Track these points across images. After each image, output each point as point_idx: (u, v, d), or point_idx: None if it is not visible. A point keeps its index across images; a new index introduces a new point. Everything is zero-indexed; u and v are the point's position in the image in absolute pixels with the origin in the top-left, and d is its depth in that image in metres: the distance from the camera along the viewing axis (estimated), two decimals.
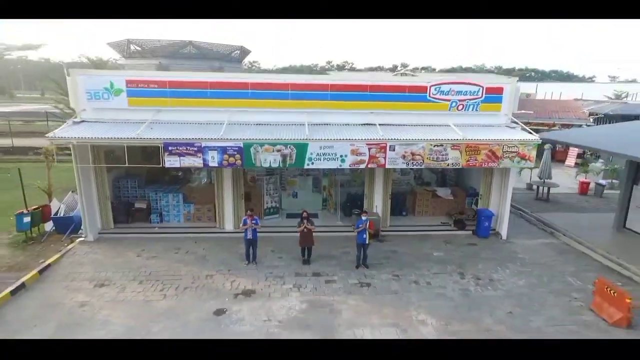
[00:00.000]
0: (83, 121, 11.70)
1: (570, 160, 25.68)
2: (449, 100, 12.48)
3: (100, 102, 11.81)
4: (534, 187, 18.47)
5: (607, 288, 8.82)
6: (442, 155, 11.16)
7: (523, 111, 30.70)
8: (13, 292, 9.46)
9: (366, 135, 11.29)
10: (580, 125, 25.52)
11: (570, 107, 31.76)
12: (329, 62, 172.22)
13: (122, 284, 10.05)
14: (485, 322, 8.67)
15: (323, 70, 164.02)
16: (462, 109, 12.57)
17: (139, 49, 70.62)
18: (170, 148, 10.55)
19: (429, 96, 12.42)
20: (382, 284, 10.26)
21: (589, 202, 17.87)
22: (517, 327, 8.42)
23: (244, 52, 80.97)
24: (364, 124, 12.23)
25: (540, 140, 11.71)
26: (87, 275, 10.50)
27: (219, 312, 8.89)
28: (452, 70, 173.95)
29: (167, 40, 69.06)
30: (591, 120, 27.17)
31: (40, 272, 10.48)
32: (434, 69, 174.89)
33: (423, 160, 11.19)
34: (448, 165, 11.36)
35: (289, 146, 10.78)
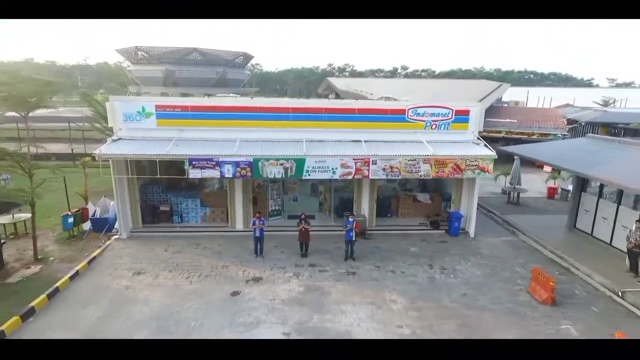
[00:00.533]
0: (120, 139, 14.15)
1: (548, 167, 27.97)
2: (424, 121, 14.89)
3: (134, 123, 14.26)
4: (507, 191, 20.83)
5: (539, 275, 11.21)
6: (416, 167, 13.58)
7: (508, 120, 33.18)
8: (71, 278, 11.91)
9: (353, 152, 13.71)
10: (556, 135, 27.87)
11: (552, 116, 34.07)
12: (330, 65, 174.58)
13: (155, 273, 12.47)
14: (443, 301, 11.07)
15: (325, 73, 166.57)
16: (435, 128, 14.97)
17: (146, 55, 73.07)
18: (194, 162, 13.01)
19: (407, 117, 14.83)
20: (365, 273, 12.66)
21: (554, 205, 20.24)
22: (467, 304, 10.82)
23: (247, 57, 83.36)
24: (353, 141, 14.63)
25: (496, 156, 14.10)
26: (126, 265, 12.94)
27: (235, 294, 11.30)
28: (451, 73, 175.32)
29: (173, 47, 71.58)
30: (566, 130, 29.43)
31: (89, 262, 12.94)
32: (434, 71, 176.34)
33: (400, 172, 13.62)
34: (420, 176, 13.80)
35: (289, 161, 13.22)
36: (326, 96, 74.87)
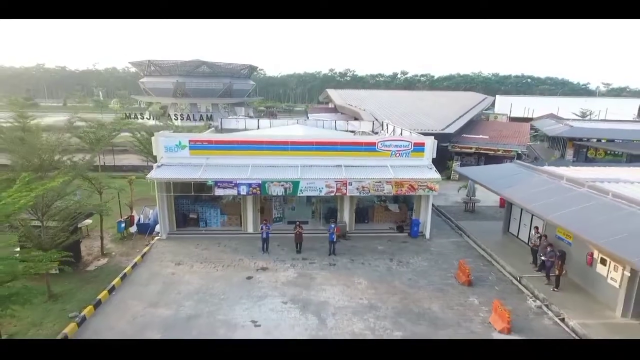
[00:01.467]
0: (162, 165, 19.03)
1: None
2: (390, 150, 19.68)
3: (172, 153, 19.14)
4: (465, 202, 25.56)
5: (462, 264, 15.98)
6: (381, 187, 18.39)
7: (481, 136, 37.89)
8: (132, 267, 16.79)
9: (335, 175, 18.53)
10: (517, 151, 32.55)
11: (521, 132, 38.72)
12: (331, 70, 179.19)
13: (191, 264, 17.31)
14: (394, 283, 15.84)
15: (326, 77, 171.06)
16: (399, 156, 19.76)
17: (158, 68, 78.40)
18: (218, 184, 17.89)
19: (377, 148, 19.63)
20: (342, 264, 17.45)
21: (501, 213, 24.89)
22: (410, 285, 15.60)
23: (252, 68, 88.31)
24: (336, 166, 19.41)
25: (441, 179, 18.85)
26: (168, 258, 17.79)
27: (249, 278, 16.11)
28: (450, 77, 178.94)
29: (183, 60, 76.93)
30: (525, 147, 34.03)
31: (142, 256, 17.82)
32: (433, 76, 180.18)
33: (369, 191, 18.45)
34: (384, 193, 18.61)
35: (288, 182, 18.07)
36: (326, 104, 79.63)
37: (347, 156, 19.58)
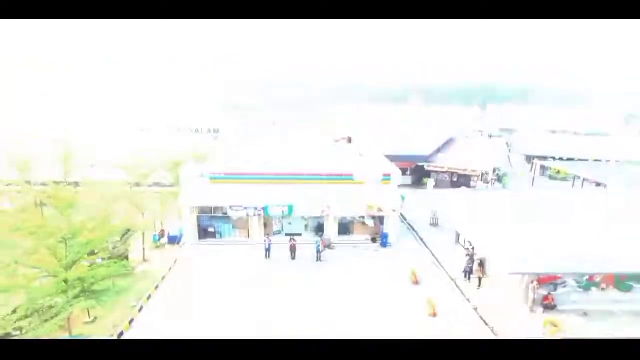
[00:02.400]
0: (189, 192, 24.83)
1: None
2: (364, 179, 25.38)
3: (196, 183, 24.92)
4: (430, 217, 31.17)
5: (413, 268, 21.65)
6: (355, 209, 24.09)
7: (453, 155, 43.39)
8: (169, 269, 22.59)
9: (320, 200, 24.25)
10: (471, 176, 38.23)
11: (490, 151, 44.23)
12: (332, 78, 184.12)
13: (210, 266, 23.09)
14: (362, 282, 21.53)
15: (327, 86, 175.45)
16: (372, 183, 25.45)
17: None
18: (232, 207, 23.68)
19: (354, 177, 25.34)
20: (325, 268, 23.17)
21: None
22: (375, 283, 21.30)
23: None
24: (321, 191, 25.13)
25: (402, 202, 24.51)
26: (195, 260, 23.58)
27: (256, 276, 21.88)
28: (448, 84, 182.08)
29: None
30: (488, 166, 39.49)
31: (175, 261, 23.64)
32: (431, 83, 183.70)
33: (346, 212, 24.15)
34: (358, 214, 24.31)
35: (284, 206, 23.81)
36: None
37: (330, 183, 25.31)
